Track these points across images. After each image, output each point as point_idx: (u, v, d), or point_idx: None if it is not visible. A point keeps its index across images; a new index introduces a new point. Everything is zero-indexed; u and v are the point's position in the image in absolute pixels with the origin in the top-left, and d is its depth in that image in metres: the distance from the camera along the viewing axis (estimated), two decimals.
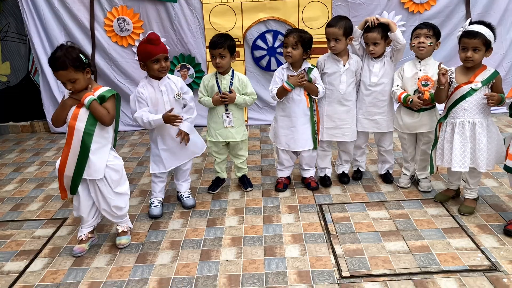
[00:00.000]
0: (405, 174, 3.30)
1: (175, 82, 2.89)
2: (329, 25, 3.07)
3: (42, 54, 4.81)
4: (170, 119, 2.75)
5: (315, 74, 3.08)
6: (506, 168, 2.59)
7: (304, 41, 2.97)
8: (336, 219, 2.90)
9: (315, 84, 3.08)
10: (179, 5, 4.66)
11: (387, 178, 3.38)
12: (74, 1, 4.59)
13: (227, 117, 3.07)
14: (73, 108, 2.45)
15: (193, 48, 4.80)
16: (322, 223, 2.86)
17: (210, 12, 4.69)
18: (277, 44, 4.75)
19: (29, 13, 4.67)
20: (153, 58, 2.70)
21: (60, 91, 4.86)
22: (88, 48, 4.77)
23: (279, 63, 4.74)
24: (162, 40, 4.74)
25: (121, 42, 4.76)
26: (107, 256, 2.63)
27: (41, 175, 3.91)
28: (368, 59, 3.15)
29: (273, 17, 4.70)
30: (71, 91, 2.44)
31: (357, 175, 3.47)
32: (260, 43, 4.78)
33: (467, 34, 2.60)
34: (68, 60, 2.33)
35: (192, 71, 4.88)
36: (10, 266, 2.58)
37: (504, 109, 4.34)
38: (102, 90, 2.49)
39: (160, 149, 2.92)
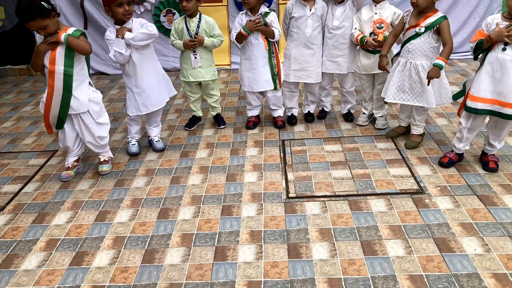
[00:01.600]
0: (363, 112, 3.60)
1: (139, 23, 3.03)
2: None
3: None
4: (123, 30, 2.92)
5: (271, 18, 3.30)
6: (467, 108, 2.72)
7: None
8: (294, 152, 3.24)
9: (271, 28, 3.30)
10: None
11: (348, 117, 3.69)
12: None
13: (195, 58, 3.33)
14: (49, 52, 2.70)
15: None
16: (282, 155, 3.21)
17: None
18: None
19: None
20: (117, 1, 2.87)
21: None
22: None
23: None
24: None
25: None
26: (90, 181, 3.02)
27: (36, 113, 4.26)
28: (332, 3, 3.35)
29: None
30: (44, 36, 2.68)
31: (322, 114, 3.78)
32: None
33: None
34: (33, 11, 2.54)
35: (177, 15, 5.07)
36: (7, 188, 2.98)
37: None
38: (71, 30, 2.74)
39: (135, 92, 3.13)
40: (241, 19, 3.35)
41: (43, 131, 3.84)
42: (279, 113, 3.68)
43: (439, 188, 2.69)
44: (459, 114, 2.89)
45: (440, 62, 2.81)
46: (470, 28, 4.89)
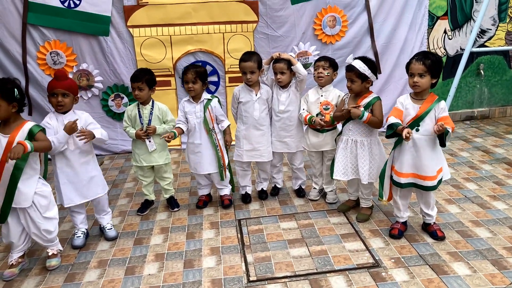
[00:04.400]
0: (314, 188, 3.73)
1: (80, 118, 2.99)
2: (243, 60, 3.46)
3: None
4: (71, 128, 2.85)
5: (213, 104, 3.45)
6: (393, 182, 2.98)
7: (201, 75, 3.37)
8: (251, 231, 3.26)
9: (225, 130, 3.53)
10: (111, 39, 4.94)
11: (299, 192, 3.80)
12: (5, 35, 4.73)
13: (149, 141, 3.37)
14: (5, 141, 2.63)
15: (126, 78, 5.05)
16: (239, 235, 3.21)
17: (141, 45, 5.01)
18: None
19: None
20: (50, 92, 2.92)
21: None
22: (21, 81, 4.92)
23: (208, 91, 5.09)
24: (95, 71, 5.03)
25: None
26: (36, 278, 2.82)
27: None
28: (277, 89, 3.58)
29: (200, 49, 5.08)
30: None
31: (275, 191, 3.87)
32: None
33: (346, 68, 3.10)
34: (0, 86, 2.58)
35: (125, 99, 5.14)
36: None
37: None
38: (31, 125, 2.71)
39: (61, 183, 3.02)
40: (183, 106, 3.48)
41: None
42: (225, 191, 3.72)
43: (393, 260, 2.78)
44: (390, 198, 3.09)
45: (365, 113, 3.04)
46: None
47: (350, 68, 3.07)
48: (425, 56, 2.80)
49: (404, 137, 2.73)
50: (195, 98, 3.46)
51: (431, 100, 2.84)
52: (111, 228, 3.29)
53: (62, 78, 2.96)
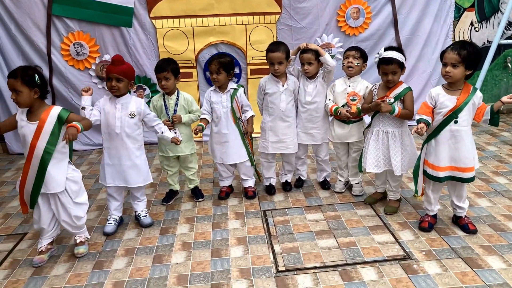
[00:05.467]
0: (340, 180, 3.69)
1: (135, 102, 3.08)
2: (271, 50, 3.41)
3: (0, 78, 4.94)
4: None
5: (239, 96, 3.46)
6: (429, 176, 2.91)
7: (225, 65, 3.34)
8: (277, 222, 3.23)
9: (248, 119, 3.52)
10: (134, 30, 4.95)
11: (324, 184, 3.76)
12: (30, 26, 4.78)
13: (175, 133, 3.36)
14: (34, 127, 2.65)
15: (148, 69, 5.07)
16: (265, 226, 3.18)
17: (164, 36, 5.00)
18: None
19: None
20: (107, 76, 3.00)
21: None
22: (45, 72, 4.96)
23: None
24: None
25: (78, 66, 4.98)
26: (65, 265, 2.84)
27: (0, 194, 4.05)
28: (304, 79, 3.54)
29: (223, 40, 5.06)
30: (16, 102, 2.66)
31: (299, 183, 3.84)
32: None
33: (384, 61, 3.00)
34: (21, 72, 2.60)
35: (148, 91, 5.15)
36: None
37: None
38: (58, 109, 2.71)
39: (105, 163, 3.13)
40: (209, 96, 3.47)
41: (9, 213, 3.63)
42: (250, 183, 3.70)
43: (424, 253, 2.73)
44: (422, 194, 3.02)
45: (396, 107, 3.00)
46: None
47: (390, 61, 2.97)
48: (461, 46, 2.73)
49: (416, 132, 2.70)
50: (221, 88, 3.44)
51: (467, 90, 2.77)
52: (146, 216, 3.31)
53: (118, 63, 3.00)
